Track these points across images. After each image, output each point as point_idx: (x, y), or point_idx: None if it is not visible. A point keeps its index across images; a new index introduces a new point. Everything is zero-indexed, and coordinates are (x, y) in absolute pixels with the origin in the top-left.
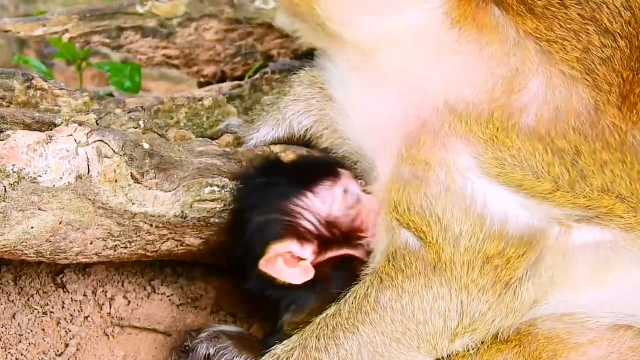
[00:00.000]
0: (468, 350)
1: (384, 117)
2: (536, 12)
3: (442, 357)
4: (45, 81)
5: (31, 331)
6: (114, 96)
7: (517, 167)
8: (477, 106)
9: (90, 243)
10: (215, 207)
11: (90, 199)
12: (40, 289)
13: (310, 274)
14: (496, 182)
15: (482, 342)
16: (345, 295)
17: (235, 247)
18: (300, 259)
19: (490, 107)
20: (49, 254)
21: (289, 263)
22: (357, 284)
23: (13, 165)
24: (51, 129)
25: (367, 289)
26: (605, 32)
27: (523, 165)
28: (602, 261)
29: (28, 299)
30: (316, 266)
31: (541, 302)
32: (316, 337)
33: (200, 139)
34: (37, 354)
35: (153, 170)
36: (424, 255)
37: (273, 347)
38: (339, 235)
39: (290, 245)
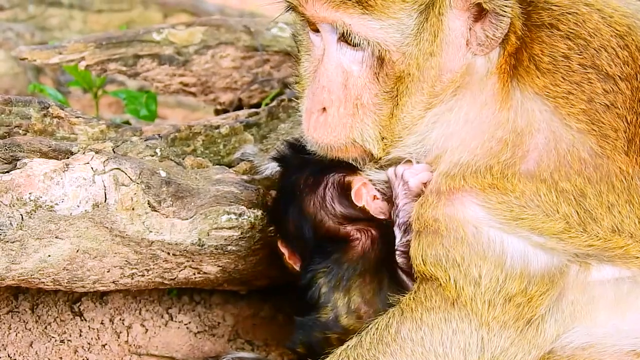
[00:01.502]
0: None
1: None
2: (542, 68)
3: None
4: (62, 109)
5: (49, 359)
6: (130, 124)
7: (525, 207)
8: (476, 163)
9: (108, 271)
10: (233, 235)
11: (107, 227)
12: (57, 317)
13: (383, 215)
14: (509, 226)
15: None
16: (368, 326)
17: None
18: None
19: (489, 162)
20: (66, 282)
21: (370, 197)
22: (380, 315)
23: (30, 193)
24: (68, 157)
25: (389, 320)
26: (606, 77)
27: (530, 205)
28: (623, 295)
29: (45, 328)
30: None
31: (563, 335)
32: None
33: (218, 166)
34: None
35: (170, 199)
36: (442, 293)
37: None
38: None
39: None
